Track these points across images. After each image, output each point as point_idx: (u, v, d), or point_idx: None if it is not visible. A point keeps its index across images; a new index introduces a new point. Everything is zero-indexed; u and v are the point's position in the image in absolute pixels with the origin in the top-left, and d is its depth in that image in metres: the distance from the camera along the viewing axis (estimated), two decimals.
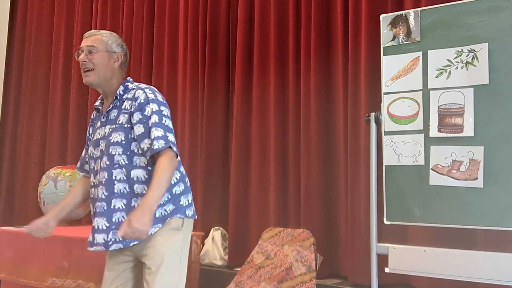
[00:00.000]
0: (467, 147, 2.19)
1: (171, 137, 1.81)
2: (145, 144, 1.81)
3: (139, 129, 1.82)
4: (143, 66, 4.34)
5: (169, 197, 1.86)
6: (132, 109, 1.84)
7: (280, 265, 2.78)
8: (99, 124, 1.95)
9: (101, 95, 2.00)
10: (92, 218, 1.92)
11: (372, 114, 2.44)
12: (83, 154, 2.10)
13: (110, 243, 1.82)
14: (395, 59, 2.41)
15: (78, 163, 2.12)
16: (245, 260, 3.00)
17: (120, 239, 1.79)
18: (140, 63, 4.38)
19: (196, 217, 1.97)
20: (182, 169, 1.96)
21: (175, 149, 1.81)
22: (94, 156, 1.92)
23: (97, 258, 2.64)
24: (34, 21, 5.41)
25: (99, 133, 1.92)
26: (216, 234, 3.62)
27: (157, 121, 1.81)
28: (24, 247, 2.98)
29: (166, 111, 1.87)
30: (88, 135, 2.07)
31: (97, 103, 2.00)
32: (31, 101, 5.27)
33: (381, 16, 2.49)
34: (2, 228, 3.25)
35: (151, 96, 1.85)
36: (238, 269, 3.06)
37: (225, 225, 3.64)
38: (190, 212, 1.92)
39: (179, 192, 1.90)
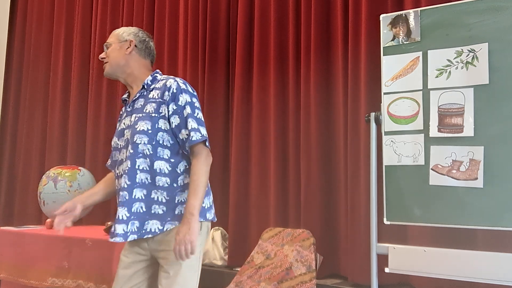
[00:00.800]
0: (467, 147, 2.19)
1: (204, 131, 1.82)
2: (182, 134, 1.80)
3: (175, 120, 1.81)
4: None
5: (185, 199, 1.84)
6: (166, 99, 1.82)
7: (280, 265, 2.78)
8: (124, 114, 1.94)
9: (128, 90, 2.01)
10: (118, 208, 1.91)
11: (372, 114, 2.44)
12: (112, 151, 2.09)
13: (129, 234, 1.79)
14: (395, 59, 2.41)
15: (109, 161, 2.08)
16: (245, 260, 3.00)
17: (136, 230, 1.78)
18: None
19: (216, 220, 1.96)
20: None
21: (207, 144, 1.82)
22: (119, 147, 1.91)
23: (97, 258, 2.64)
24: (34, 21, 5.42)
25: (124, 123, 1.91)
26: (216, 234, 3.62)
27: (191, 112, 1.81)
28: (24, 247, 2.98)
29: (197, 103, 1.86)
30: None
31: (124, 95, 2.01)
32: (31, 101, 5.27)
33: (381, 16, 2.49)
34: (2, 228, 3.25)
35: (183, 86, 1.85)
36: (238, 269, 3.06)
37: (225, 225, 3.64)
38: (210, 215, 1.90)
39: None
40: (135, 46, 1.95)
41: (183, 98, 1.82)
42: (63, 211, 1.91)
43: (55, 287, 2.78)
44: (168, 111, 1.82)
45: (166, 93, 1.83)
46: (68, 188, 3.47)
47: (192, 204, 1.71)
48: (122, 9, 4.63)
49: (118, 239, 1.80)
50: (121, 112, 2.05)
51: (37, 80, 5.26)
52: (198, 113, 1.84)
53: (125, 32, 1.97)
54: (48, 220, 3.21)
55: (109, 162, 2.06)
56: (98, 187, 2.04)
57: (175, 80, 1.86)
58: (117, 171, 1.90)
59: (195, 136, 1.78)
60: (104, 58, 1.96)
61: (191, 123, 1.79)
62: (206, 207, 1.87)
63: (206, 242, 3.72)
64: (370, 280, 2.38)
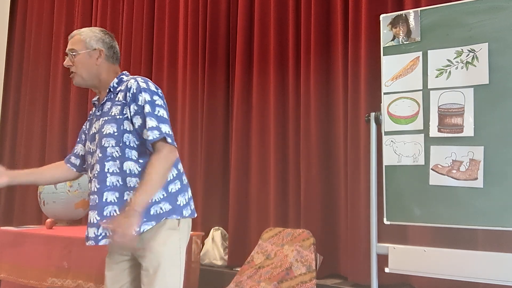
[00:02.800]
0: (467, 147, 2.19)
1: (165, 128, 1.77)
2: (145, 134, 1.77)
3: (137, 120, 1.79)
4: (143, 66, 4.34)
5: (165, 194, 1.81)
6: (128, 100, 1.81)
7: (280, 265, 2.78)
8: (95, 118, 1.93)
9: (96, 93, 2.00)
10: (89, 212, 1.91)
11: (372, 114, 2.44)
12: (74, 147, 2.09)
13: (100, 237, 1.78)
14: (395, 59, 2.41)
15: (68, 155, 2.10)
16: (245, 260, 3.00)
17: (110, 233, 1.75)
18: (140, 63, 4.38)
19: (195, 215, 1.93)
20: (180, 166, 1.91)
21: (169, 140, 1.76)
22: (91, 151, 1.89)
23: (97, 258, 2.64)
24: (34, 21, 5.42)
25: (95, 127, 1.90)
26: (216, 234, 3.62)
27: (150, 111, 1.77)
28: (24, 247, 2.98)
29: (159, 100, 1.82)
30: (84, 129, 2.05)
31: (95, 98, 1.99)
32: (31, 101, 5.27)
33: (381, 16, 2.49)
34: (2, 228, 3.25)
35: (143, 85, 1.82)
36: (238, 269, 3.06)
37: (225, 225, 3.64)
38: (187, 211, 1.88)
39: (175, 190, 1.85)
40: (105, 54, 1.91)
41: (142, 97, 1.79)
42: None
43: (55, 287, 2.78)
44: (130, 112, 1.80)
45: (127, 93, 1.82)
46: (68, 188, 3.47)
47: (137, 200, 1.66)
48: (122, 9, 4.62)
49: (90, 243, 1.81)
50: (90, 113, 2.03)
51: (37, 80, 5.26)
52: (158, 111, 1.79)
53: (92, 39, 1.90)
54: (48, 220, 3.21)
55: (67, 156, 2.09)
56: (41, 170, 2.03)
57: (136, 80, 1.83)
58: (90, 175, 1.89)
59: (151, 136, 1.74)
60: (71, 66, 1.90)
61: (149, 122, 1.76)
62: (181, 205, 1.85)
63: (207, 242, 3.71)
64: (370, 280, 2.38)
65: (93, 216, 1.81)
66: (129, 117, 1.80)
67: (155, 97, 1.81)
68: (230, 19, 3.87)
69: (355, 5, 3.17)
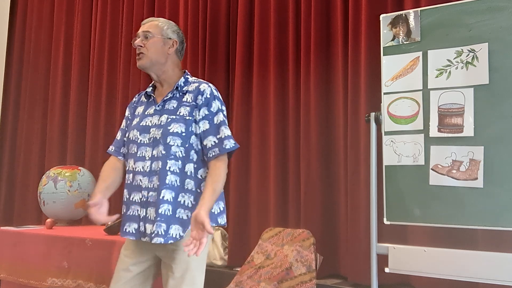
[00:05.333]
0: (467, 147, 2.19)
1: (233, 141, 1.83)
2: (209, 141, 1.80)
3: (204, 125, 1.81)
4: None
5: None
6: (199, 103, 1.83)
7: (280, 265, 2.78)
8: (151, 111, 1.89)
9: (153, 82, 1.97)
10: (127, 205, 1.86)
11: (372, 114, 2.44)
12: (118, 138, 2.02)
13: (153, 235, 1.76)
14: (395, 59, 2.41)
15: (112, 147, 2.02)
16: (245, 260, 3.00)
17: (163, 233, 1.75)
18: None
19: (227, 225, 1.96)
20: None
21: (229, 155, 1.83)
22: (139, 141, 1.87)
23: (97, 258, 2.64)
24: (34, 21, 5.42)
25: (151, 121, 1.87)
26: (216, 234, 3.62)
27: (224, 120, 1.83)
28: (24, 247, 2.98)
29: (225, 111, 1.88)
30: (130, 117, 2.00)
31: (149, 89, 1.96)
32: (31, 101, 5.27)
33: (381, 16, 2.49)
34: (2, 228, 3.24)
35: (215, 92, 1.86)
36: (238, 269, 3.06)
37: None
38: (222, 220, 1.89)
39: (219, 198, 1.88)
40: (177, 47, 1.94)
41: (216, 105, 1.83)
42: (95, 205, 1.81)
43: (55, 287, 2.78)
44: (199, 115, 1.82)
45: (199, 97, 1.84)
46: (68, 188, 3.47)
47: (209, 203, 1.68)
48: (122, 9, 4.63)
49: (146, 239, 1.78)
50: (134, 100, 2.01)
51: (37, 80, 5.26)
52: (227, 122, 1.86)
53: (169, 29, 1.93)
54: (48, 220, 3.21)
55: (112, 148, 2.01)
56: (110, 178, 1.94)
57: (209, 86, 1.87)
58: (134, 166, 1.86)
59: (229, 144, 1.79)
60: (142, 47, 1.88)
61: (224, 131, 1.81)
62: (215, 213, 1.87)
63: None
64: (370, 280, 2.38)
65: (150, 213, 1.78)
66: (197, 120, 1.82)
67: (223, 108, 1.87)
68: (230, 19, 3.87)
69: (355, 5, 3.17)
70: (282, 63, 3.52)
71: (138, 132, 1.88)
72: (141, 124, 1.89)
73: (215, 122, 1.81)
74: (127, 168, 1.91)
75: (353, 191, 3.04)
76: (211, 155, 1.79)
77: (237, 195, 3.55)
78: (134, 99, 2.04)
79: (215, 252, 3.56)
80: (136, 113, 1.96)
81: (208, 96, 1.84)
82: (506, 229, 2.10)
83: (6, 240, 3.09)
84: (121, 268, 1.87)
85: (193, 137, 1.82)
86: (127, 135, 1.95)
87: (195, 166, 1.83)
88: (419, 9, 2.39)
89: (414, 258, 2.25)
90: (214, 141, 1.79)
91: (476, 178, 2.16)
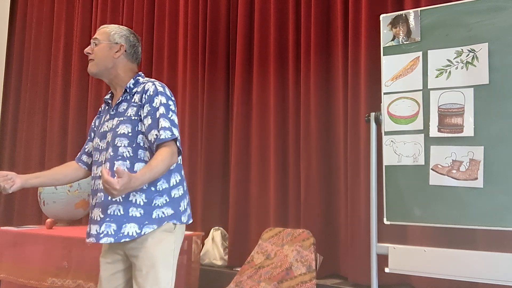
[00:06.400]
0: (467, 147, 2.19)
1: (176, 132, 1.81)
2: (152, 135, 1.80)
3: (147, 121, 1.82)
4: (143, 66, 4.34)
5: (167, 200, 1.84)
6: (143, 102, 1.85)
7: (280, 265, 2.78)
8: (108, 116, 1.95)
9: (111, 89, 2.01)
10: (90, 210, 1.92)
11: (372, 114, 2.44)
12: (84, 146, 2.11)
13: (102, 235, 1.79)
14: (395, 59, 2.41)
15: (78, 154, 2.12)
16: (245, 260, 3.00)
17: (113, 233, 1.77)
18: (140, 63, 4.37)
19: (191, 221, 1.96)
20: (183, 172, 1.95)
21: (178, 144, 1.81)
22: (100, 148, 1.92)
23: (97, 258, 2.64)
24: (34, 21, 5.42)
25: (107, 126, 1.92)
26: (216, 234, 3.62)
27: (164, 112, 1.82)
28: (24, 247, 2.98)
29: (173, 106, 1.87)
30: (93, 126, 2.08)
31: (107, 96, 2.01)
32: (31, 101, 5.27)
33: (381, 16, 2.49)
34: (2, 228, 3.25)
35: (160, 88, 1.87)
36: (238, 269, 3.06)
37: (225, 225, 3.64)
38: (185, 218, 1.91)
39: (178, 196, 1.89)
40: (125, 50, 1.96)
41: (158, 100, 1.84)
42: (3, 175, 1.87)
43: (55, 287, 2.78)
44: (143, 113, 1.84)
45: (144, 95, 1.86)
46: (68, 188, 3.47)
47: (141, 176, 1.66)
48: (122, 9, 4.63)
49: (90, 239, 1.82)
50: (100, 109, 2.07)
51: (37, 80, 5.26)
52: (172, 115, 1.84)
53: (117, 34, 1.96)
54: (48, 220, 3.21)
55: (78, 155, 2.10)
56: (53, 172, 2.03)
57: (153, 84, 1.88)
58: (95, 172, 1.92)
59: (164, 134, 1.77)
60: (90, 54, 1.94)
61: (163, 123, 1.79)
62: (181, 210, 1.88)
63: (207, 242, 3.72)
64: (370, 280, 2.38)
65: (97, 214, 1.83)
66: (142, 118, 1.84)
67: (170, 102, 1.87)
68: (230, 19, 3.87)
69: (355, 5, 3.17)
70: (282, 63, 3.52)
71: (99, 139, 1.95)
72: (100, 131, 1.95)
73: (157, 116, 1.81)
74: (92, 175, 1.97)
75: (353, 191, 3.03)
76: (154, 148, 1.80)
77: (237, 195, 3.55)
78: (100, 108, 2.09)
79: (215, 252, 3.56)
80: (101, 121, 2.01)
81: (151, 93, 1.85)
82: (506, 229, 2.10)
83: (6, 240, 3.09)
84: (101, 269, 1.93)
85: (140, 136, 1.84)
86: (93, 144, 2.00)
87: None
88: (419, 9, 2.39)
89: (414, 258, 2.25)
90: (156, 134, 1.79)
91: (476, 178, 2.16)
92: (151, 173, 1.70)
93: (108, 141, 1.88)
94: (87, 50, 1.95)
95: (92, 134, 2.07)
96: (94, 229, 1.82)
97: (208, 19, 3.91)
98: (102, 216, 1.80)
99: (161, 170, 1.74)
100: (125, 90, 1.92)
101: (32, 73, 5.31)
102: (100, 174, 1.86)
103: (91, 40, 1.98)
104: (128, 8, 4.54)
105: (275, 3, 3.56)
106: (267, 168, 3.48)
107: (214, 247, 3.57)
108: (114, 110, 1.92)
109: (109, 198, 1.80)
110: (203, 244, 3.60)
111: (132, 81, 1.93)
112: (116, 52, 1.93)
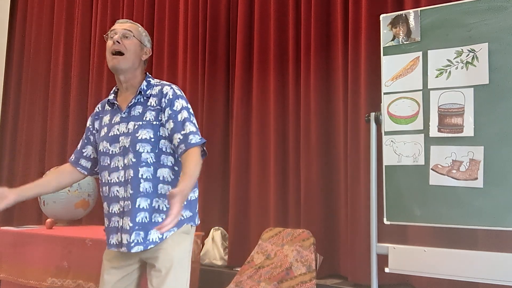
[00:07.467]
0: (467, 147, 2.19)
1: (200, 136, 1.80)
2: (175, 138, 1.77)
3: (169, 125, 1.79)
4: None
5: (185, 203, 1.83)
6: (163, 106, 1.81)
7: (280, 265, 2.78)
8: (117, 119, 1.87)
9: (114, 88, 1.95)
10: (108, 217, 1.86)
11: (372, 114, 2.44)
12: (79, 148, 2.01)
13: (133, 244, 1.76)
14: (395, 59, 2.41)
15: (73, 157, 2.01)
16: (245, 260, 3.00)
17: (142, 241, 1.76)
18: None
19: (199, 222, 1.98)
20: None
21: (205, 149, 1.80)
22: (110, 153, 1.85)
23: (97, 258, 2.64)
24: (34, 21, 5.42)
25: (118, 129, 1.85)
26: (216, 234, 3.62)
27: (188, 116, 1.80)
28: (24, 247, 2.98)
29: (191, 109, 1.86)
30: (91, 129, 1.99)
31: (111, 97, 1.93)
32: (31, 101, 5.27)
33: (381, 16, 2.49)
34: (2, 228, 3.24)
35: (178, 92, 1.85)
36: (238, 269, 3.06)
37: (225, 225, 3.64)
38: (198, 220, 1.93)
39: (194, 198, 1.89)
40: (149, 53, 1.93)
41: (179, 103, 1.82)
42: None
43: (55, 287, 2.78)
44: (165, 117, 1.81)
45: (163, 99, 1.82)
46: (68, 188, 3.47)
47: (185, 185, 1.58)
48: (122, 9, 4.63)
49: (123, 249, 1.78)
50: (97, 111, 1.99)
51: (37, 80, 5.26)
52: (193, 119, 1.83)
53: (146, 37, 1.93)
54: (48, 220, 3.21)
55: (72, 157, 2.01)
56: (47, 180, 1.95)
57: (171, 87, 1.86)
58: (109, 178, 1.85)
59: (194, 139, 1.75)
60: (120, 44, 1.82)
61: (189, 127, 1.78)
62: (192, 214, 1.89)
63: (207, 242, 3.73)
64: (370, 280, 2.38)
65: (126, 222, 1.78)
66: (163, 123, 1.81)
67: (189, 106, 1.86)
68: (230, 19, 3.87)
69: (355, 5, 3.17)
70: (282, 63, 3.52)
71: (108, 143, 1.87)
72: (109, 134, 1.87)
73: (179, 119, 1.79)
74: (102, 180, 1.89)
75: (353, 191, 3.03)
76: (180, 152, 1.77)
77: (237, 195, 3.55)
78: (97, 109, 2.01)
79: (215, 252, 3.56)
80: (103, 123, 1.93)
81: (171, 96, 1.82)
82: (506, 229, 2.10)
83: (6, 240, 3.09)
84: (105, 272, 1.88)
85: (162, 141, 1.81)
86: (98, 148, 1.92)
87: (174, 170, 1.83)
88: (419, 9, 2.39)
89: (414, 258, 2.25)
90: (179, 138, 1.76)
91: (476, 178, 2.16)
92: (191, 181, 1.64)
93: (124, 146, 1.81)
94: (117, 38, 1.82)
95: (91, 138, 1.99)
96: (125, 238, 1.78)
97: (208, 19, 3.91)
98: (131, 224, 1.77)
99: (197, 175, 1.70)
100: (140, 92, 1.86)
101: (32, 73, 5.31)
102: (118, 180, 1.81)
103: (120, 29, 1.85)
104: (128, 8, 4.54)
105: (275, 3, 3.56)
106: (267, 168, 3.48)
107: (214, 247, 3.57)
108: (126, 113, 1.86)
109: (137, 205, 1.76)
110: (203, 244, 3.60)
111: (144, 82, 1.88)
112: (144, 54, 1.90)
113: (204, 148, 1.82)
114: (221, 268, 3.49)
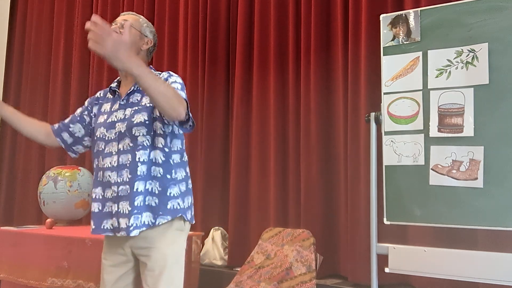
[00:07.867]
0: (467, 147, 2.19)
1: (185, 96, 1.76)
2: None
3: None
4: None
5: (179, 192, 1.82)
6: None
7: (280, 265, 2.78)
8: (116, 106, 1.89)
9: (118, 78, 1.97)
10: (102, 202, 1.83)
11: (372, 114, 2.44)
12: (66, 121, 2.01)
13: (131, 228, 1.74)
14: (395, 59, 2.41)
15: (56, 125, 2.01)
16: (245, 260, 3.00)
17: (139, 224, 1.74)
18: None
19: (194, 222, 1.94)
20: (187, 169, 1.92)
21: (188, 110, 1.70)
22: (106, 138, 1.86)
23: (97, 258, 2.64)
24: (34, 21, 5.42)
25: (116, 116, 1.86)
26: (216, 234, 3.62)
27: (179, 89, 1.78)
28: (24, 247, 2.98)
29: (184, 89, 1.84)
30: (89, 109, 1.99)
31: (114, 84, 1.95)
32: (31, 101, 5.27)
33: (381, 16, 2.49)
34: (2, 228, 3.24)
35: (175, 75, 1.86)
36: (238, 269, 3.06)
37: (225, 225, 3.64)
38: (189, 215, 1.89)
39: (184, 190, 1.87)
40: (150, 46, 1.94)
41: (172, 79, 1.81)
42: None
43: (55, 287, 2.78)
44: None
45: None
46: (68, 188, 3.47)
47: (147, 73, 1.50)
48: (122, 9, 4.63)
49: (122, 233, 1.76)
50: (98, 96, 1.99)
51: (37, 79, 5.26)
52: (183, 91, 1.79)
53: (148, 28, 1.94)
54: (48, 220, 3.21)
55: (56, 126, 2.00)
56: (24, 117, 2.00)
57: (168, 72, 1.87)
58: (103, 163, 1.85)
59: (182, 94, 1.74)
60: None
61: (174, 86, 1.76)
62: (185, 207, 1.86)
63: (207, 242, 3.72)
64: (370, 280, 2.38)
65: (124, 207, 1.76)
66: None
67: (182, 82, 1.84)
68: (230, 19, 3.87)
69: (355, 5, 3.17)
70: (282, 63, 3.52)
71: (105, 129, 1.87)
72: (107, 121, 1.89)
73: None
74: (96, 165, 1.89)
75: (353, 191, 3.04)
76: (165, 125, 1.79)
77: (237, 195, 3.55)
78: (99, 94, 2.02)
79: (215, 252, 3.56)
80: (103, 110, 1.95)
81: (166, 76, 1.84)
82: (506, 229, 2.10)
83: (6, 240, 3.09)
84: (104, 271, 1.88)
85: (156, 122, 1.81)
86: (95, 133, 1.92)
87: (164, 151, 1.81)
88: (419, 9, 2.39)
89: (414, 258, 2.25)
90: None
91: (476, 178, 2.16)
92: (153, 75, 1.52)
93: (120, 131, 1.82)
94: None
95: (86, 119, 1.98)
96: (123, 222, 1.75)
97: (208, 19, 3.91)
98: (130, 208, 1.75)
99: (161, 86, 1.54)
100: None
101: (32, 73, 5.31)
102: (111, 165, 1.80)
103: (120, 20, 1.88)
104: (128, 8, 4.54)
105: (275, 3, 3.56)
106: (267, 168, 3.48)
107: (214, 247, 3.57)
108: (125, 100, 1.88)
109: (135, 189, 1.75)
110: (203, 244, 3.61)
111: None
112: (144, 44, 1.91)
113: (191, 116, 1.75)
114: (221, 268, 3.49)
